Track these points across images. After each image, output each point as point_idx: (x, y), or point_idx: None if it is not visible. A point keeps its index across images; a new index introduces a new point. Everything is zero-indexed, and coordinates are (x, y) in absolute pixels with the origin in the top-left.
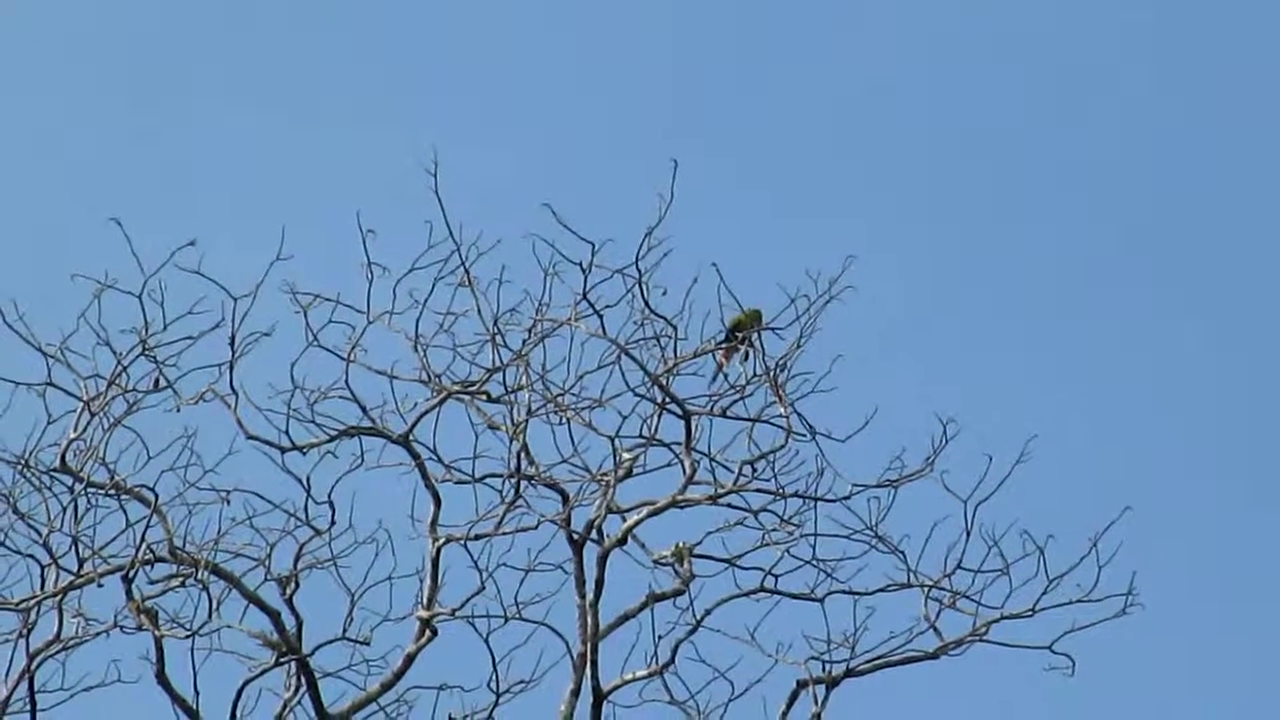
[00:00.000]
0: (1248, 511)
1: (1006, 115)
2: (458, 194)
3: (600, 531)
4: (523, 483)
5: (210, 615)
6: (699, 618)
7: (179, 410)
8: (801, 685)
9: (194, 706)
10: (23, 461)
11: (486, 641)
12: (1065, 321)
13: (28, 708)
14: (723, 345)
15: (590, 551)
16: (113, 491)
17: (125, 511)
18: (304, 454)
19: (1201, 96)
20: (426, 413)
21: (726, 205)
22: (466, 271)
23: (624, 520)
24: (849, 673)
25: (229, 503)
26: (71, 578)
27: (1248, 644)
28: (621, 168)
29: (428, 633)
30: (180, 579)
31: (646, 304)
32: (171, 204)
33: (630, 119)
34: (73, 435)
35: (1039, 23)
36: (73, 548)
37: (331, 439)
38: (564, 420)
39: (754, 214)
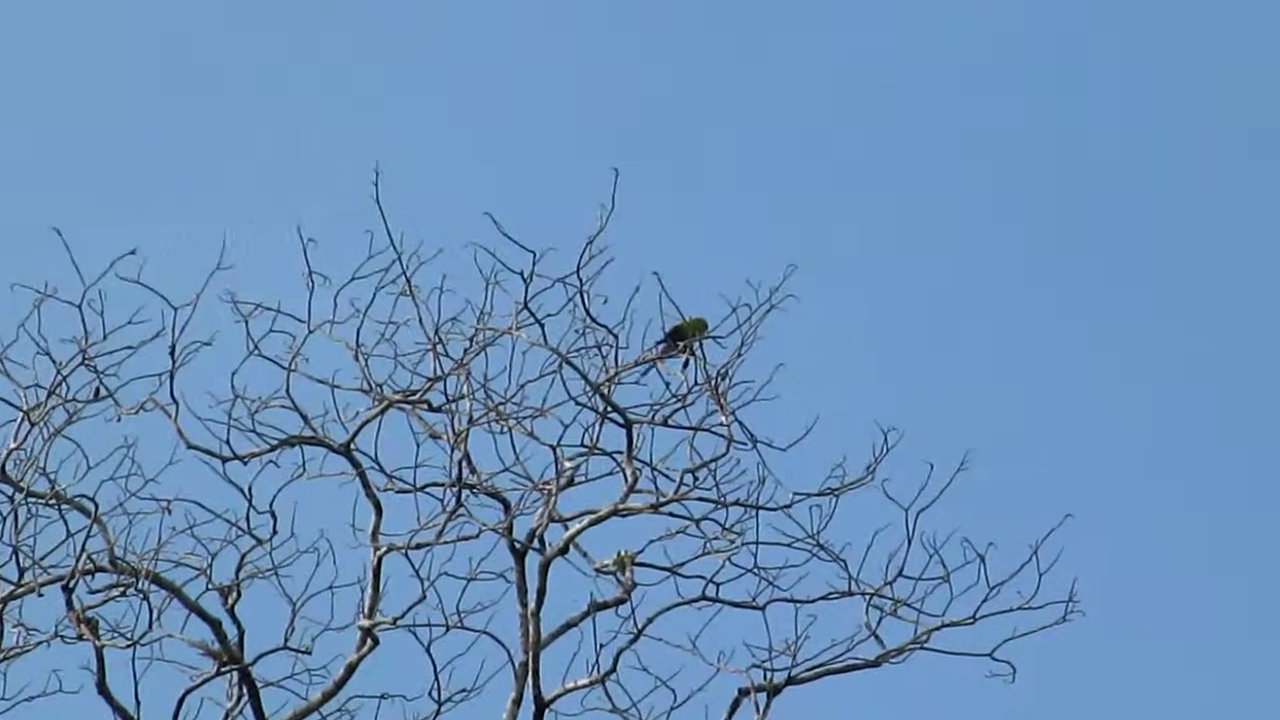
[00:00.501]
0: (1187, 517)
1: (948, 122)
2: (400, 202)
3: (542, 540)
4: (464, 491)
5: (151, 625)
6: (641, 626)
7: (119, 420)
8: (743, 693)
9: (135, 716)
10: None
11: (428, 650)
12: (1005, 328)
13: None
14: (660, 344)
15: (532, 560)
16: (53, 501)
17: (66, 521)
18: (245, 463)
19: (1140, 99)
20: (368, 422)
21: (671, 213)
22: (408, 280)
23: (566, 529)
24: (790, 680)
25: (170, 512)
26: (11, 588)
27: (1187, 650)
28: (564, 176)
29: (369, 642)
30: (121, 588)
31: (588, 313)
32: (111, 208)
33: (573, 127)
34: (13, 445)
35: (981, 22)
36: (13, 557)
37: (272, 448)
38: (505, 429)
39: (699, 221)
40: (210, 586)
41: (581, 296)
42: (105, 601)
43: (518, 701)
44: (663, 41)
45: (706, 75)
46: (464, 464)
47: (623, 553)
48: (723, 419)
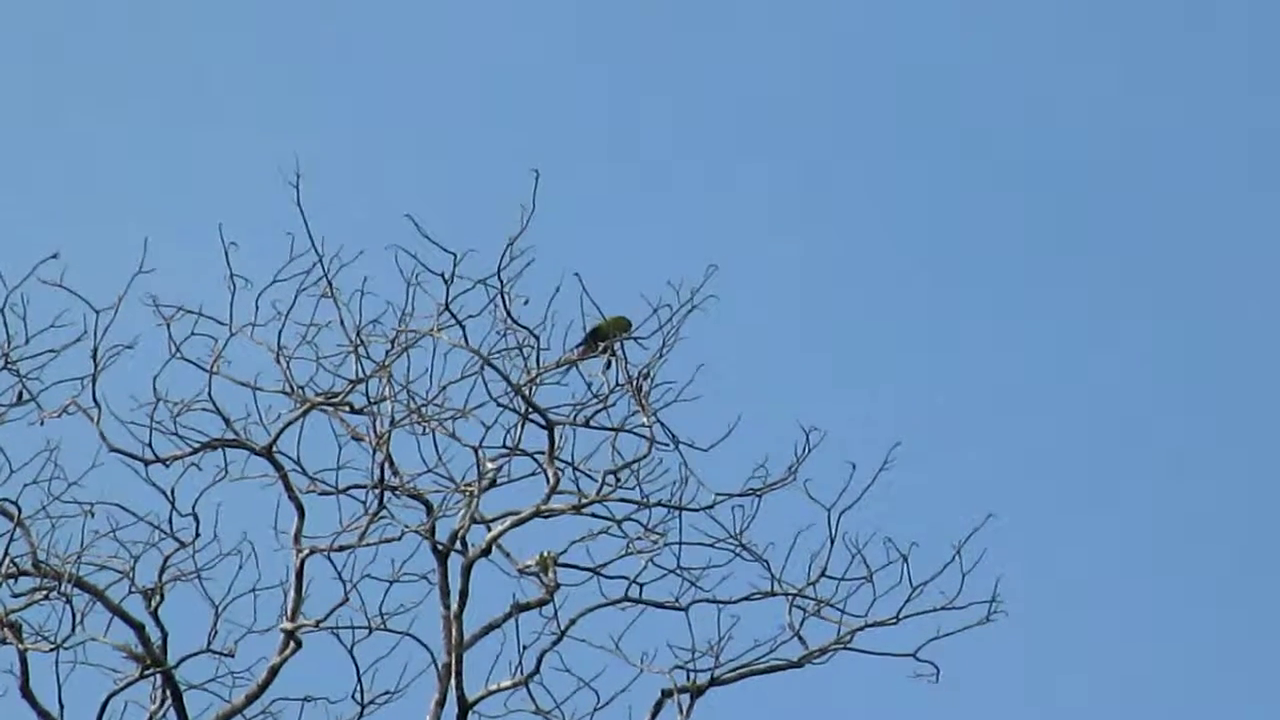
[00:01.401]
0: (1110, 516)
1: (871, 119)
2: (320, 204)
3: (464, 542)
4: (386, 493)
5: (74, 628)
6: (564, 627)
7: (42, 424)
8: (666, 694)
9: (58, 719)
10: None
11: (351, 653)
12: (927, 326)
13: None
14: (580, 346)
15: (455, 562)
16: None
17: None
18: (167, 466)
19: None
20: (290, 424)
21: (593, 213)
22: (329, 282)
23: (488, 530)
24: (714, 681)
25: (93, 515)
26: None
27: (1110, 650)
28: (484, 177)
29: (292, 644)
30: (44, 592)
31: (509, 314)
32: (29, 212)
33: (492, 127)
34: None
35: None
36: None
37: (195, 451)
38: (427, 431)
39: (620, 222)
40: (133, 590)
41: (502, 298)
42: (28, 605)
43: (441, 703)
44: (587, 39)
45: (633, 72)
46: (386, 466)
47: (545, 554)
48: (644, 420)
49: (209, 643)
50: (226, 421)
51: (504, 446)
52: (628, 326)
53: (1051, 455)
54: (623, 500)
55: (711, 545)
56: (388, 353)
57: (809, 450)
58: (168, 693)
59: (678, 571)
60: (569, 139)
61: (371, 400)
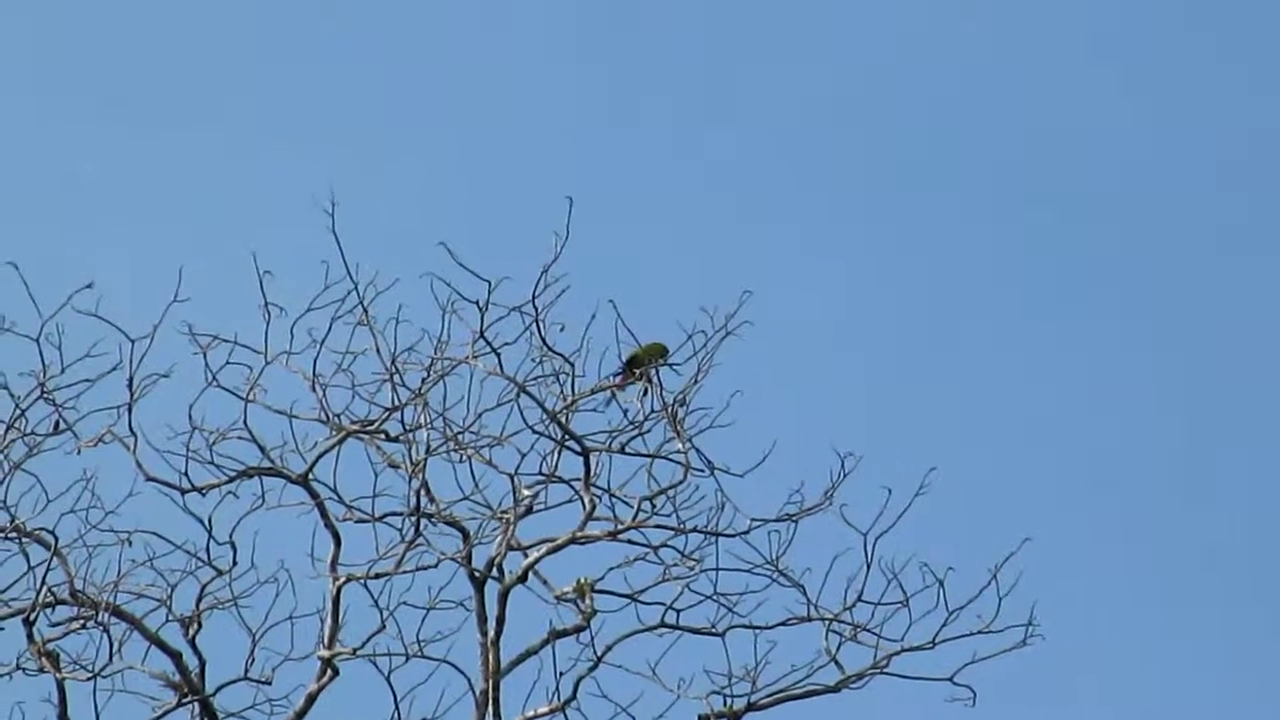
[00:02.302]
0: (1146, 542)
1: (909, 136)
2: (356, 231)
3: (501, 569)
4: (423, 521)
5: (111, 657)
6: (600, 653)
7: (79, 453)
8: None
9: None
10: None
11: (388, 680)
12: (967, 353)
13: None
14: (618, 375)
15: (491, 589)
16: (13, 535)
17: (26, 555)
18: (204, 495)
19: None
20: (326, 452)
21: (628, 240)
22: (365, 310)
23: (525, 557)
24: (750, 707)
25: (130, 544)
26: None
27: (1148, 673)
28: (519, 204)
29: (329, 672)
30: (81, 621)
31: (544, 341)
32: (58, 235)
33: (526, 156)
34: None
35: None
36: None
37: (231, 479)
38: (463, 458)
39: (656, 248)
40: (170, 618)
41: (538, 325)
42: (66, 634)
43: None
44: (619, 68)
45: (660, 101)
46: (422, 493)
47: (582, 580)
48: (680, 446)
49: (246, 670)
50: (263, 450)
51: (540, 473)
52: (664, 353)
53: (1088, 477)
54: (659, 526)
55: (748, 571)
56: (423, 380)
57: (844, 475)
58: None
59: (714, 597)
60: (601, 163)
61: (407, 428)
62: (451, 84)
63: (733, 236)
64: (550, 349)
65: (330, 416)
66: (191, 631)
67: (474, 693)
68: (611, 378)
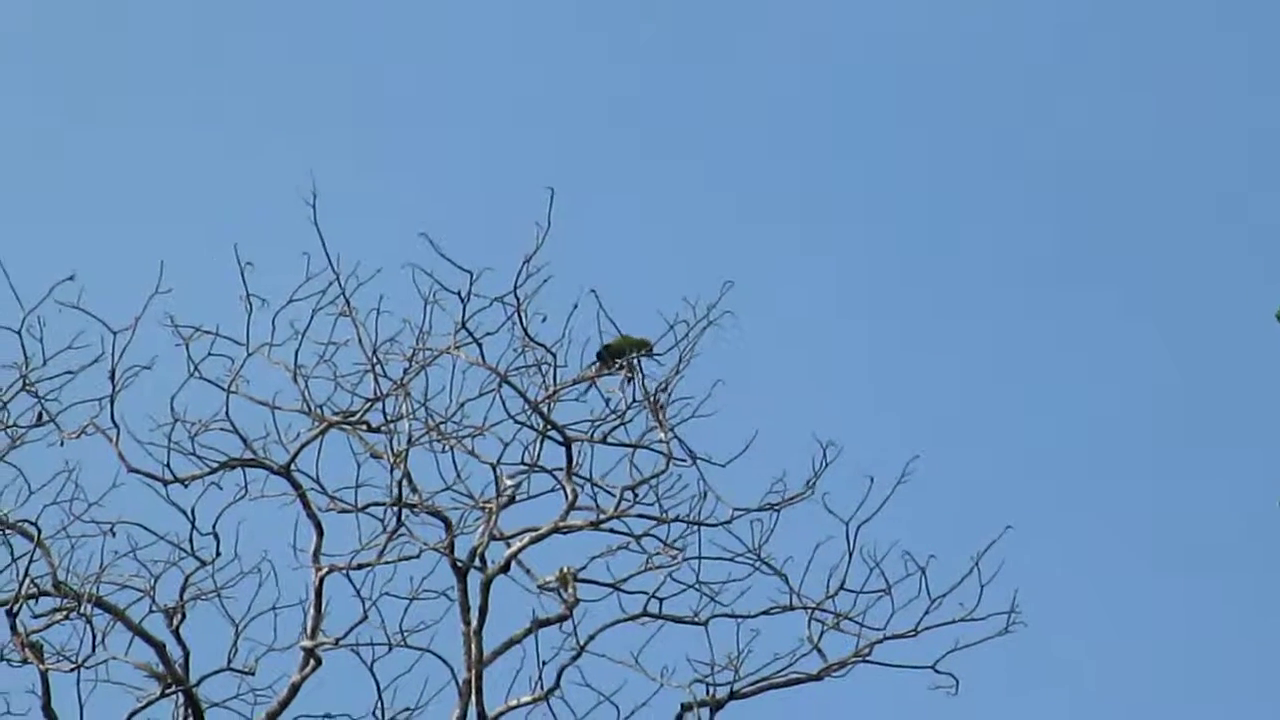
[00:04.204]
0: (1129, 530)
1: (889, 130)
2: (336, 222)
3: (483, 558)
4: (405, 511)
5: (95, 648)
6: (583, 643)
7: (61, 444)
8: (686, 708)
9: None
10: None
11: (371, 670)
12: (945, 342)
13: None
14: (594, 365)
15: (474, 578)
16: None
17: (10, 546)
18: (186, 486)
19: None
20: (308, 443)
21: (609, 231)
22: (347, 301)
23: (507, 546)
24: (733, 695)
25: (113, 535)
26: None
27: (1128, 661)
28: (499, 196)
29: (312, 662)
30: (64, 612)
31: (525, 332)
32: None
33: (508, 148)
34: None
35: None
36: None
37: (214, 470)
38: (446, 448)
39: (637, 238)
40: (154, 609)
41: (519, 315)
42: (49, 625)
43: (462, 719)
44: (598, 61)
45: (642, 96)
46: (404, 483)
47: (565, 569)
48: (662, 436)
49: (230, 661)
50: (245, 441)
51: (522, 463)
52: (642, 344)
53: (1068, 464)
54: (641, 516)
55: (730, 560)
56: (405, 370)
57: (826, 464)
58: (189, 711)
59: (697, 586)
60: (582, 155)
61: (389, 418)
62: (437, 75)
63: (716, 228)
64: (532, 339)
65: (312, 407)
66: (175, 622)
67: (457, 682)
68: (592, 366)
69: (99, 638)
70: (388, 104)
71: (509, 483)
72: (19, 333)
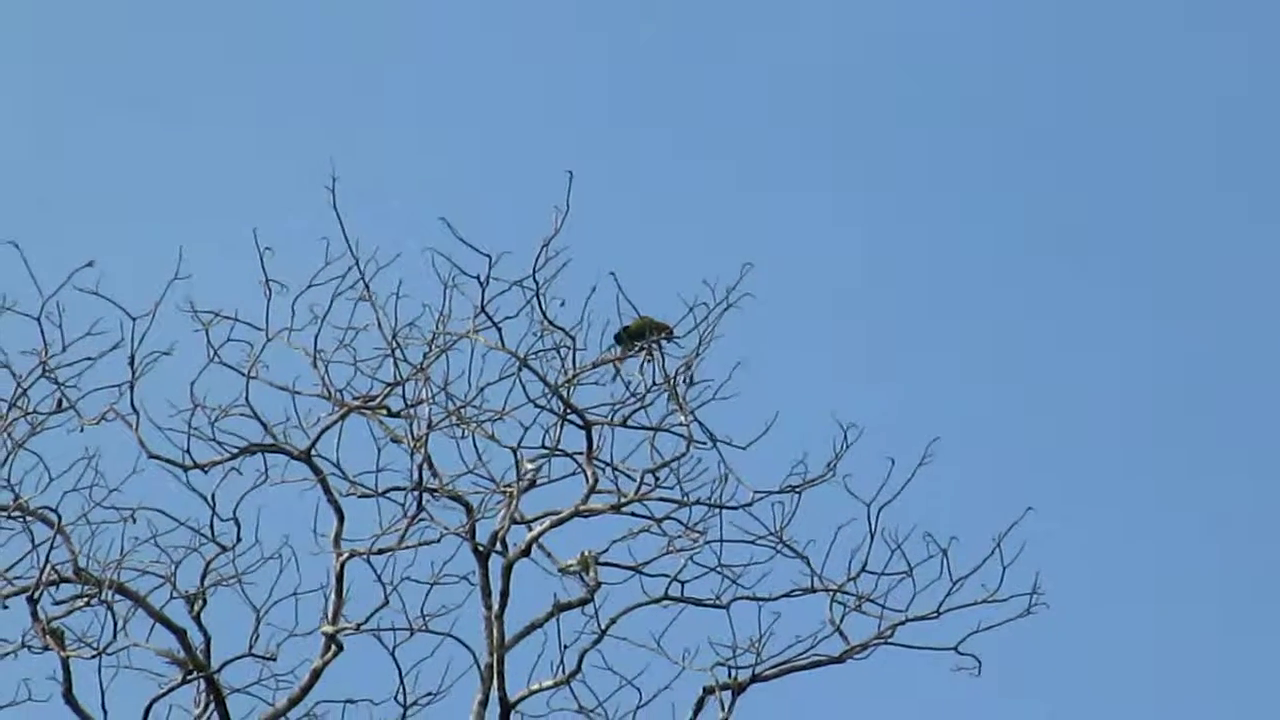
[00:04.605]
0: (1150, 510)
1: (907, 117)
2: (356, 208)
3: (504, 542)
4: (425, 495)
5: (116, 634)
6: (605, 626)
7: (81, 431)
8: (708, 691)
9: None
10: None
11: (393, 655)
12: (966, 322)
13: None
14: (613, 347)
15: (495, 562)
16: (16, 513)
17: (31, 533)
18: (206, 472)
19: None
20: (328, 428)
21: (629, 213)
22: (366, 286)
23: (528, 530)
24: (755, 678)
25: (134, 521)
26: None
27: (1150, 641)
28: (519, 179)
29: (334, 647)
30: (85, 599)
31: (545, 315)
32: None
33: (527, 129)
34: None
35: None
36: None
37: (234, 456)
38: (466, 432)
39: (656, 221)
40: (175, 595)
41: (538, 299)
42: (70, 612)
43: (484, 704)
44: (617, 43)
45: (660, 74)
46: (425, 468)
47: (586, 553)
48: (683, 418)
49: (251, 646)
50: (265, 426)
51: (543, 447)
52: (663, 330)
53: (1090, 446)
54: (662, 499)
55: (752, 542)
56: (425, 355)
57: (847, 446)
58: (211, 697)
59: (718, 569)
60: (602, 137)
61: (409, 403)
62: (455, 62)
63: (734, 208)
64: (551, 323)
65: (332, 392)
66: (196, 608)
67: (478, 666)
68: (612, 349)
69: (120, 624)
70: (405, 87)
71: (529, 466)
72: (38, 319)
